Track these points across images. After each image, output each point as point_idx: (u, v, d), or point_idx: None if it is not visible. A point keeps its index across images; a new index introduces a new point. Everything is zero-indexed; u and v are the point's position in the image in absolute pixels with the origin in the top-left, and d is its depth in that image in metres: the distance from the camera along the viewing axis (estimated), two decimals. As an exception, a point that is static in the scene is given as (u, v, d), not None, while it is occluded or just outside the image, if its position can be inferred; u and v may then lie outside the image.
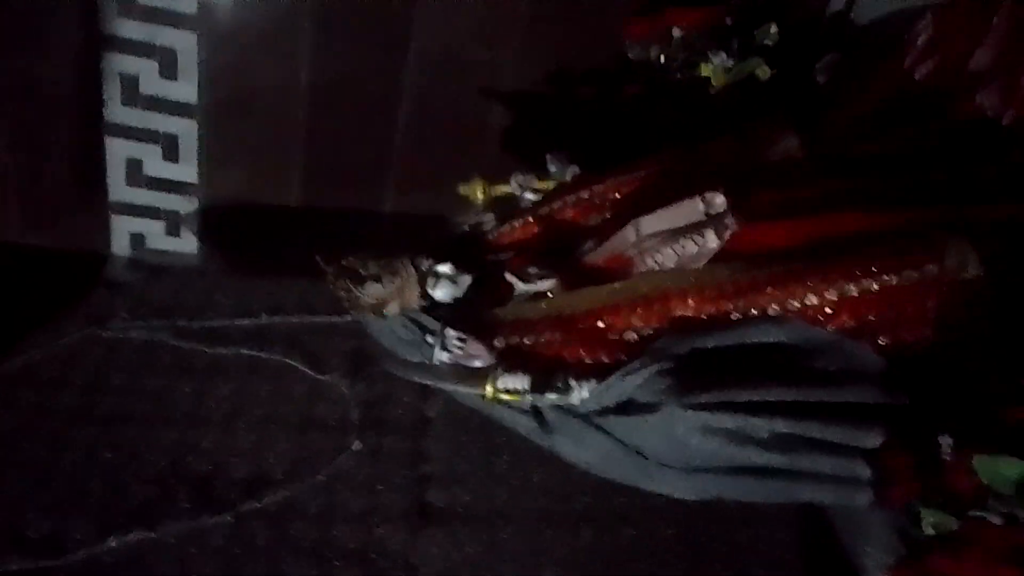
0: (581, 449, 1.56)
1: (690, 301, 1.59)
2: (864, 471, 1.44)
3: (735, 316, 1.56)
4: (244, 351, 2.21)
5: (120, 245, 2.91)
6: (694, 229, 1.65)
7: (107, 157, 2.75)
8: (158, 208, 2.87)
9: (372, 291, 1.73)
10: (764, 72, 2.41)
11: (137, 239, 2.92)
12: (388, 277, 1.74)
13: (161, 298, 2.39)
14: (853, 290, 1.51)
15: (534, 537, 1.83)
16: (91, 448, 1.89)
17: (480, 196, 2.02)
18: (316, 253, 1.74)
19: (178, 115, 2.70)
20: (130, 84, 2.63)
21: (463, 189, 2.03)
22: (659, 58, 2.52)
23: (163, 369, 2.13)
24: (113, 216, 2.87)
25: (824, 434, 1.42)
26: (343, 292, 1.72)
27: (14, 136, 2.62)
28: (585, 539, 1.82)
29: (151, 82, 2.64)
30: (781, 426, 1.40)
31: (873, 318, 1.52)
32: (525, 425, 1.62)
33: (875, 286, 1.51)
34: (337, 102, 2.67)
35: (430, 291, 1.78)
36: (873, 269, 1.51)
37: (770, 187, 1.73)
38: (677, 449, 1.44)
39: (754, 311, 1.55)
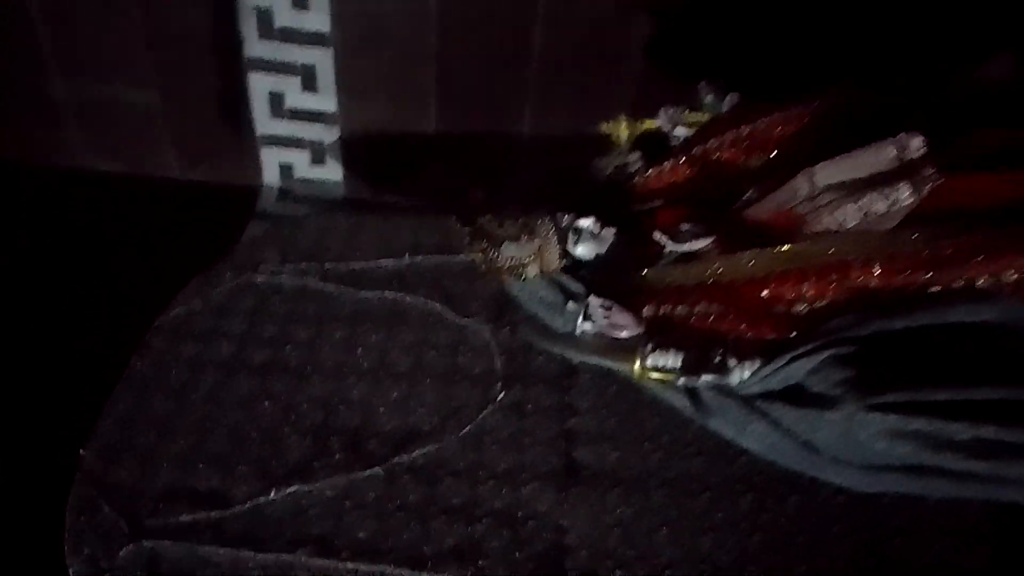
0: (742, 436, 1.36)
1: (876, 270, 1.30)
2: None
3: (933, 290, 1.27)
4: (388, 294, 2.12)
5: (271, 177, 2.91)
6: (884, 181, 1.33)
7: (250, 92, 2.70)
8: (302, 139, 2.82)
9: (510, 252, 1.56)
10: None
11: (286, 170, 2.90)
12: (526, 237, 1.57)
13: (308, 239, 2.32)
14: (1093, 260, 1.19)
15: (689, 502, 1.65)
16: (250, 401, 1.88)
17: (624, 135, 1.76)
18: (454, 213, 1.58)
19: (313, 45, 2.58)
20: (265, 18, 2.52)
21: (605, 128, 1.78)
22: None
23: (312, 317, 2.07)
24: (262, 149, 2.85)
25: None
26: (480, 255, 1.57)
27: (161, 78, 2.61)
28: (745, 506, 1.63)
29: (284, 14, 2.51)
30: (990, 432, 1.14)
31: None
32: (678, 403, 1.44)
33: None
34: (468, 26, 2.43)
35: (571, 249, 1.60)
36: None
37: (981, 126, 1.37)
38: (857, 449, 1.22)
39: (957, 284, 1.26)
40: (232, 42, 2.55)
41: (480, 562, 1.57)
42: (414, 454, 1.76)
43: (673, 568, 1.55)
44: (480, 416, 1.82)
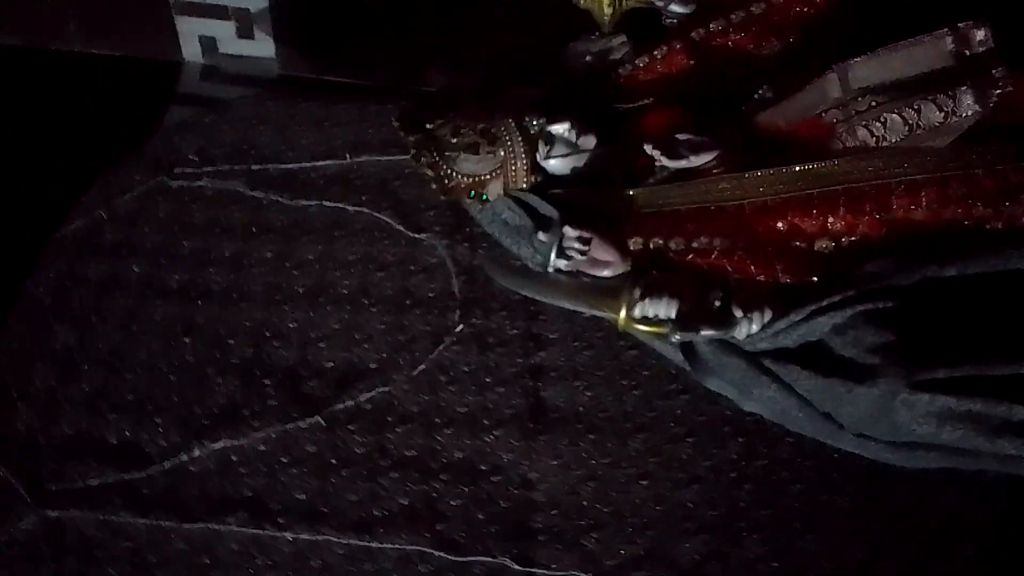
0: (746, 400, 1.14)
1: (923, 200, 1.04)
2: None
3: (993, 227, 1.01)
4: (327, 203, 1.83)
5: (191, 51, 2.50)
6: (939, 84, 1.04)
7: (159, -55, 2.25)
8: (225, 7, 2.39)
9: (466, 168, 1.26)
10: None
11: (208, 43, 2.48)
12: (486, 147, 1.26)
13: (234, 132, 1.99)
14: None
15: (671, 448, 1.47)
16: (167, 333, 1.63)
17: (607, 12, 1.41)
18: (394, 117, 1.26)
19: None
20: None
21: (584, 1, 1.42)
22: None
23: (238, 229, 1.79)
24: (177, 17, 2.42)
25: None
26: (429, 171, 1.27)
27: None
28: (733, 451, 1.44)
29: None
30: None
31: None
32: (671, 356, 1.19)
33: None
34: None
35: (541, 162, 1.29)
36: None
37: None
38: (892, 428, 1.00)
39: (1026, 222, 1.00)
40: None
41: (438, 525, 1.39)
42: (360, 398, 1.54)
43: (655, 528, 1.40)
44: (436, 351, 1.59)
